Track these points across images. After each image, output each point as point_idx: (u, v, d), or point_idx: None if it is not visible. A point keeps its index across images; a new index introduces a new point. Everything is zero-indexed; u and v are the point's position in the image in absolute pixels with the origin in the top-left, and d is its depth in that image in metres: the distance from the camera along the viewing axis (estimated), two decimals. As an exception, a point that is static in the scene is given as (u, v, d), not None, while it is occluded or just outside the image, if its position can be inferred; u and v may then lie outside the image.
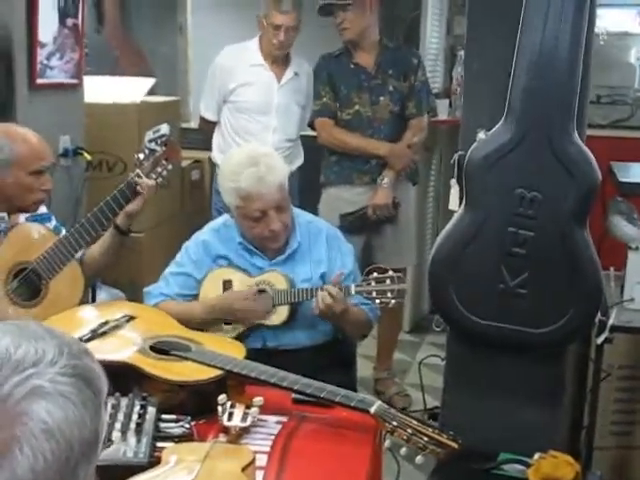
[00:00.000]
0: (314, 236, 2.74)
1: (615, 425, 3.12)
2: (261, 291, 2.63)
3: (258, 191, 2.55)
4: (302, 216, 2.79)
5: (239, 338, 2.59)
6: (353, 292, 2.53)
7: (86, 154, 3.55)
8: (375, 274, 2.53)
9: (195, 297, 2.70)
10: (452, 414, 2.72)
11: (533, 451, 2.48)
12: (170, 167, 2.66)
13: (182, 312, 2.60)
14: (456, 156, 2.56)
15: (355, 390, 2.84)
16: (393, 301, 2.53)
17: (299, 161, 4.05)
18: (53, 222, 2.76)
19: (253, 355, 2.31)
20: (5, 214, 2.58)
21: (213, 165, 4.33)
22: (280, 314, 2.62)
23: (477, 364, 2.64)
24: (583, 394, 2.86)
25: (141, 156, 2.63)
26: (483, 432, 2.61)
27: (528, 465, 2.44)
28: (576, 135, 2.35)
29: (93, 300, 2.95)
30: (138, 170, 2.61)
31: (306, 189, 3.97)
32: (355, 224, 3.73)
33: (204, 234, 2.75)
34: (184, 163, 4.70)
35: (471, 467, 2.33)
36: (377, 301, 2.53)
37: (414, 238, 4.03)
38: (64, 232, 2.71)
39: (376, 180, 3.74)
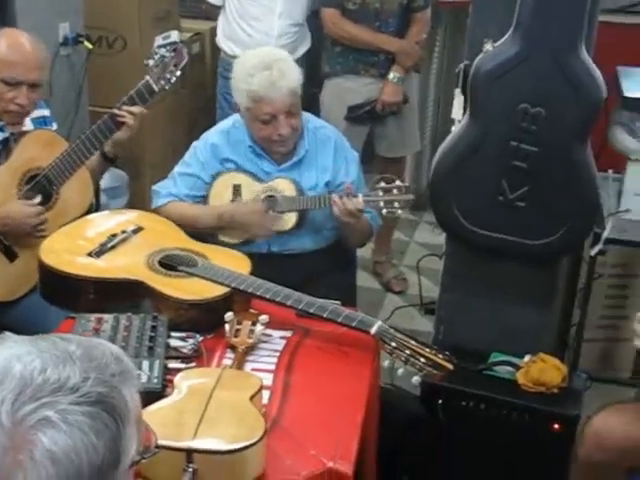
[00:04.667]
0: (322, 143, 2.75)
1: (604, 319, 3.25)
2: (269, 197, 2.67)
3: (269, 95, 2.55)
4: (311, 122, 2.78)
5: (244, 242, 2.66)
6: (361, 201, 2.56)
7: (87, 43, 3.48)
8: (382, 184, 2.56)
9: (203, 198, 2.73)
10: (448, 313, 2.82)
11: (524, 351, 2.60)
12: (178, 73, 2.66)
13: (190, 215, 2.67)
14: (462, 66, 2.55)
15: (355, 289, 2.96)
16: (400, 211, 2.57)
17: (306, 45, 3.94)
18: (54, 126, 2.76)
19: (258, 260, 2.39)
20: (3, 122, 2.57)
21: (214, 37, 4.24)
22: (288, 220, 2.67)
23: (473, 267, 2.71)
24: (573, 295, 2.95)
25: (151, 62, 2.64)
26: (477, 332, 2.73)
27: (518, 367, 2.56)
28: (584, 52, 2.32)
29: (97, 195, 2.98)
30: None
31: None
32: (363, 116, 3.73)
33: (213, 136, 2.76)
34: (184, 36, 4.59)
35: (464, 367, 2.44)
36: (384, 211, 2.57)
37: (417, 126, 4.01)
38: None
39: (383, 74, 3.67)
